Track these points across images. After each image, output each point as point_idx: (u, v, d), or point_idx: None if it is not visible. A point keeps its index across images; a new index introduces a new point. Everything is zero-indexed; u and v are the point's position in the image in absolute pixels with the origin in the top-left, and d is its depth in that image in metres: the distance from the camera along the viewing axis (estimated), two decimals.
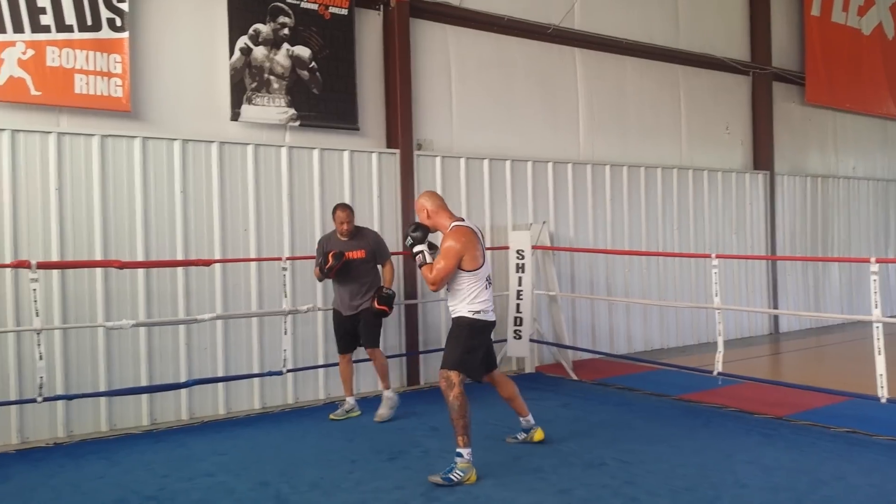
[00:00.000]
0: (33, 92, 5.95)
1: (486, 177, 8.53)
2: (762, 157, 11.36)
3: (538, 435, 5.42)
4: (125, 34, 6.29)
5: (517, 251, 8.09)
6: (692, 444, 5.44)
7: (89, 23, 6.16)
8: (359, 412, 6.40)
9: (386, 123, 7.95)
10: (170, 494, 4.53)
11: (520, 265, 8.06)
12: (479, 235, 4.98)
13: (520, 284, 8.06)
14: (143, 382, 6.28)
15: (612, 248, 9.52)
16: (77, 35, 6.12)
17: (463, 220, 5.02)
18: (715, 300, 6.62)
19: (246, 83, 6.95)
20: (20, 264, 5.46)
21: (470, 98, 8.55)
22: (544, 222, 8.55)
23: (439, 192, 8.07)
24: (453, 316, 4.97)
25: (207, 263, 6.36)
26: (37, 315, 5.43)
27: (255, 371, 6.85)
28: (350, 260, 6.17)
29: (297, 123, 7.25)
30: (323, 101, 7.38)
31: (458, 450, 4.69)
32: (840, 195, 12.55)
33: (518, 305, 8.05)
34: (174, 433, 6.01)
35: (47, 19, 6.01)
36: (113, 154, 6.28)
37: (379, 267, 6.40)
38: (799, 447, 5.32)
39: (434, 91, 8.28)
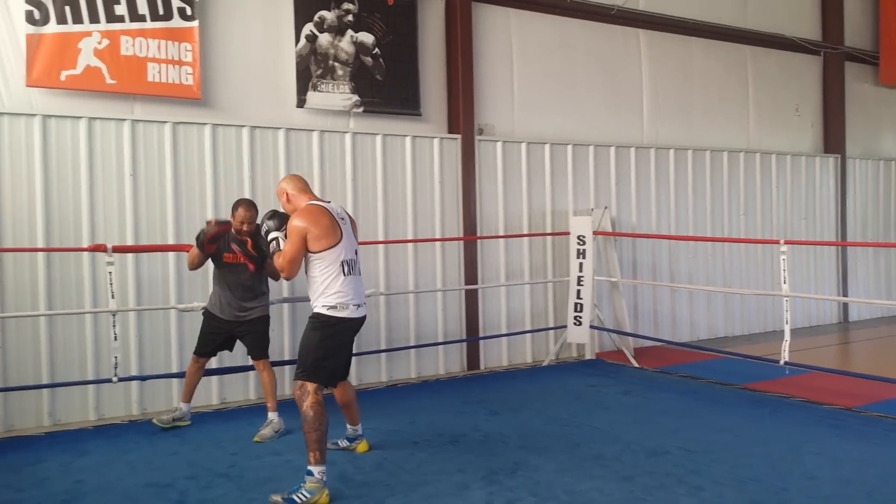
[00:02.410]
0: (108, 80, 6.15)
1: (547, 161, 8.49)
2: (833, 140, 11.00)
3: (362, 447, 5.00)
4: (195, 23, 6.44)
5: (578, 237, 8.04)
6: (758, 434, 5.35)
7: (161, 12, 6.33)
8: (188, 422, 5.72)
9: (448, 109, 7.98)
10: (239, 471, 4.67)
11: (580, 251, 8.01)
12: (338, 216, 4.43)
13: (580, 270, 8.01)
14: (213, 364, 6.47)
15: (676, 233, 9.38)
16: (149, 24, 6.29)
17: (325, 201, 4.52)
18: (783, 287, 6.48)
19: (311, 70, 7.05)
20: (97, 248, 5.67)
21: (531, 82, 8.51)
22: (606, 207, 8.47)
23: (500, 177, 8.12)
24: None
25: None
26: (112, 297, 5.65)
27: None
28: (242, 264, 5.48)
29: (361, 109, 7.32)
30: (386, 88, 7.44)
31: (308, 467, 4.15)
32: None
33: (578, 291, 8.01)
34: (242, 412, 6.19)
35: (121, 9, 6.20)
36: (184, 141, 6.47)
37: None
38: (869, 439, 5.19)
39: (496, 75, 8.26)
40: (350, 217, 4.63)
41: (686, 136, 9.66)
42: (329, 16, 7.14)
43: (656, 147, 9.32)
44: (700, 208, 9.68)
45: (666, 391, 6.74)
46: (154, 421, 5.64)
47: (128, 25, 6.22)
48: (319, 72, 7.10)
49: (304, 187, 4.56)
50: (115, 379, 5.69)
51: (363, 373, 7.28)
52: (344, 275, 4.34)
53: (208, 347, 5.70)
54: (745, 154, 10.09)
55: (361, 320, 4.50)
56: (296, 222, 4.29)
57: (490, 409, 6.14)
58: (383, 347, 7.35)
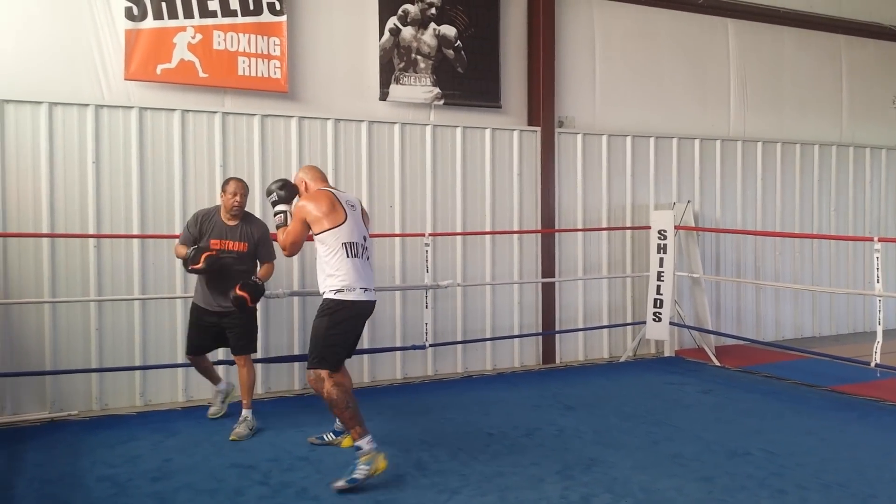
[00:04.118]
0: (201, 74, 6.36)
1: (628, 154, 8.37)
2: None
3: (348, 441, 4.74)
4: (284, 18, 6.61)
5: (659, 231, 7.90)
6: (846, 437, 5.17)
7: (251, 7, 6.52)
8: (235, 389, 5.68)
9: (528, 101, 7.95)
10: (319, 456, 4.80)
11: (661, 245, 7.88)
12: (346, 202, 4.45)
13: (661, 265, 7.88)
14: (296, 350, 6.66)
15: (762, 229, 9.12)
16: (240, 19, 6.48)
17: (338, 190, 4.61)
18: (876, 286, 6.23)
19: (394, 63, 7.14)
20: None
21: (614, 74, 8.39)
22: (689, 201, 8.30)
23: (579, 170, 8.06)
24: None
25: None
26: None
27: (398, 343, 7.10)
28: (227, 253, 5.23)
29: (442, 102, 7.38)
30: (467, 80, 7.47)
31: (355, 443, 4.24)
32: None
33: (658, 287, 7.88)
34: (322, 399, 6.33)
35: (214, 5, 6.40)
36: (272, 133, 6.65)
37: (258, 266, 5.44)
38: None
39: (577, 67, 8.19)
40: (363, 208, 4.67)
41: (775, 128, 9.36)
42: (412, 9, 7.21)
43: (743, 140, 9.07)
44: (788, 203, 9.37)
45: (748, 391, 6.58)
46: (209, 416, 5.64)
47: (220, 20, 6.42)
48: (402, 65, 7.18)
49: (321, 176, 4.66)
50: None
51: (440, 364, 7.36)
52: (348, 256, 4.33)
53: (201, 345, 5.47)
54: (837, 148, 9.71)
55: (369, 304, 4.47)
56: (301, 203, 4.42)
57: (566, 403, 6.12)
58: (459, 339, 7.40)
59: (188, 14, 6.32)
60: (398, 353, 7.13)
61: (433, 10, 7.29)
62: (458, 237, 7.42)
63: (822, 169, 9.60)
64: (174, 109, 6.30)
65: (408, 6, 7.18)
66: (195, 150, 6.39)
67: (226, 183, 5.37)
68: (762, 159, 9.17)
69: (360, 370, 7.00)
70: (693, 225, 8.17)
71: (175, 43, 6.28)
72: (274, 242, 5.16)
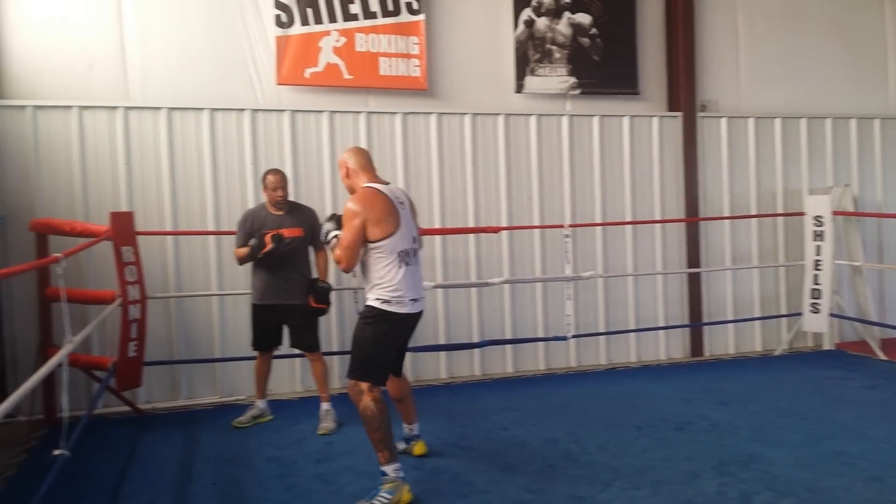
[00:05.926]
0: (346, 76, 6.61)
1: (777, 137, 7.97)
2: None
3: (418, 448, 4.59)
4: (421, 17, 6.75)
5: (815, 217, 7.47)
6: None
7: (390, 8, 6.70)
8: (270, 417, 5.61)
9: (667, 86, 7.73)
10: (469, 443, 4.89)
11: (818, 233, 7.45)
12: (396, 199, 4.02)
13: (818, 254, 7.45)
14: (441, 341, 6.80)
15: None
16: (380, 21, 6.68)
17: (385, 182, 4.10)
18: None
19: (529, 55, 7.14)
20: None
21: (759, 53, 8.01)
22: (846, 185, 7.80)
23: (724, 155, 7.76)
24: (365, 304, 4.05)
25: (496, 231, 6.69)
26: (353, 276, 6.06)
27: (540, 334, 7.11)
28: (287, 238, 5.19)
29: (578, 91, 7.30)
30: (603, 68, 7.36)
31: (380, 468, 3.93)
32: None
33: (816, 276, 7.45)
34: (469, 387, 6.46)
35: (355, 8, 6.64)
36: (413, 130, 6.82)
37: (312, 254, 5.44)
38: None
39: (719, 48, 7.87)
40: (410, 200, 4.22)
41: None
42: None
43: None
44: None
45: None
46: (234, 424, 5.45)
47: (361, 23, 6.65)
48: (537, 56, 7.17)
49: (366, 164, 4.16)
50: None
51: (583, 355, 7.30)
52: (400, 266, 3.96)
53: (265, 341, 5.46)
54: None
55: (417, 316, 4.13)
56: (351, 206, 3.92)
57: (718, 397, 5.92)
58: (602, 330, 7.32)
59: (332, 18, 6.58)
60: (540, 344, 7.13)
61: None
62: (598, 227, 7.33)
63: None
64: (322, 111, 6.58)
65: None
66: (343, 149, 6.56)
67: (264, 177, 5.31)
68: None
69: (504, 361, 7.07)
70: (852, 210, 7.68)
71: (321, 47, 6.55)
72: None
